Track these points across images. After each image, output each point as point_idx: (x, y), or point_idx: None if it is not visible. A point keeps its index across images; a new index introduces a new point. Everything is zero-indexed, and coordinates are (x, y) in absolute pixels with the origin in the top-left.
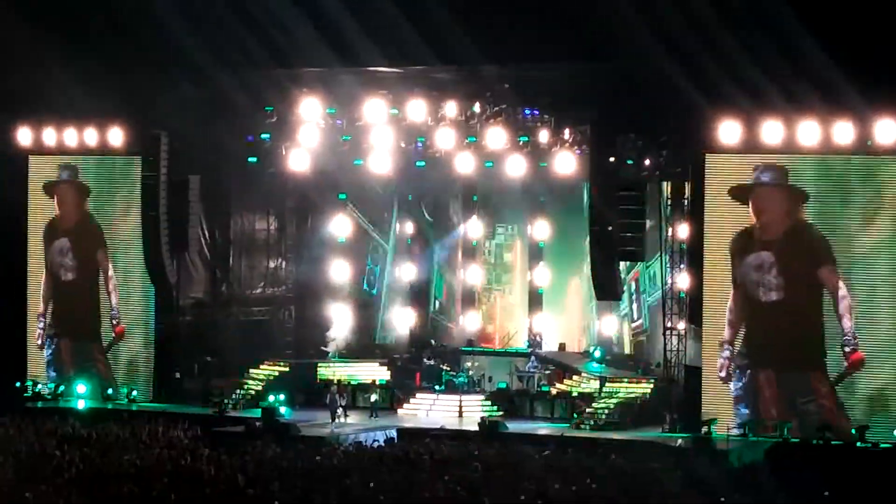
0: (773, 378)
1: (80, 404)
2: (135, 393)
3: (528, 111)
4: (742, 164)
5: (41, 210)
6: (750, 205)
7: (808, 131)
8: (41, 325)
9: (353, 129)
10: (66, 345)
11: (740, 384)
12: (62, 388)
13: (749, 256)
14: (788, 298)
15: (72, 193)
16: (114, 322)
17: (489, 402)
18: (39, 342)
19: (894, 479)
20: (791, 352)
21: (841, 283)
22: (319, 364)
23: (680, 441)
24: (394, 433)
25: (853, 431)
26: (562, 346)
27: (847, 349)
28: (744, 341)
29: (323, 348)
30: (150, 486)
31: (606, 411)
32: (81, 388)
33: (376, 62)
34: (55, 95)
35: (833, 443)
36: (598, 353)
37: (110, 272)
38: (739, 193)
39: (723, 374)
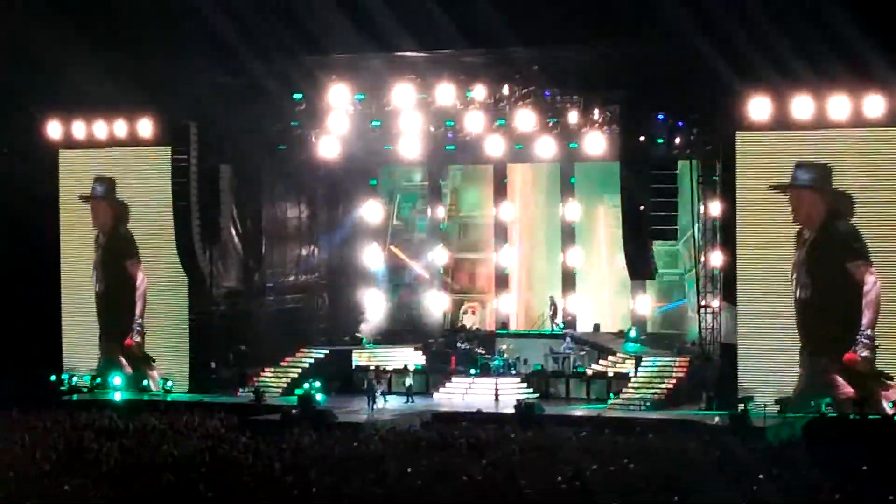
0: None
1: (117, 396)
2: (170, 384)
3: (551, 93)
4: (773, 141)
5: (73, 204)
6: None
7: (839, 106)
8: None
9: (383, 115)
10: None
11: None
12: (98, 380)
13: (797, 253)
14: (814, 297)
15: (103, 210)
16: (135, 329)
17: (525, 385)
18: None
19: None
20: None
21: (869, 278)
22: (354, 350)
23: (717, 419)
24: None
25: (890, 405)
26: (596, 327)
27: (856, 346)
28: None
29: (357, 334)
30: (188, 476)
31: (642, 391)
32: (117, 380)
33: (405, 47)
34: (84, 88)
35: (870, 417)
36: (633, 333)
37: (139, 281)
38: (779, 189)
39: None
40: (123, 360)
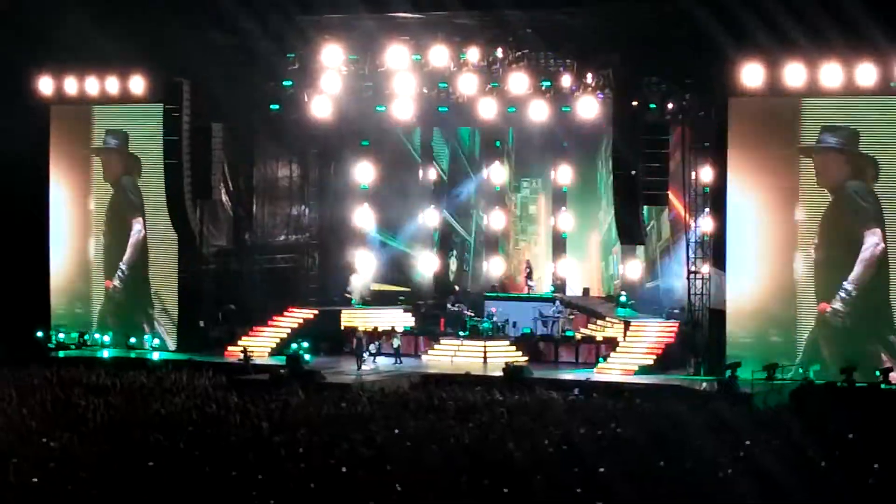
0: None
1: (105, 353)
2: (157, 342)
3: (545, 56)
4: (765, 107)
5: (63, 160)
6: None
7: (831, 73)
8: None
9: (375, 76)
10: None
11: None
12: (86, 336)
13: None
14: (825, 258)
15: (114, 163)
16: (117, 274)
17: (513, 348)
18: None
19: None
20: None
21: (871, 238)
22: (343, 311)
23: (704, 384)
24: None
25: (877, 373)
26: (586, 291)
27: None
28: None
29: (346, 295)
30: (176, 435)
31: (631, 355)
32: (106, 336)
33: (398, 7)
34: (76, 44)
35: (857, 384)
36: (622, 298)
37: (134, 230)
38: (805, 153)
39: None
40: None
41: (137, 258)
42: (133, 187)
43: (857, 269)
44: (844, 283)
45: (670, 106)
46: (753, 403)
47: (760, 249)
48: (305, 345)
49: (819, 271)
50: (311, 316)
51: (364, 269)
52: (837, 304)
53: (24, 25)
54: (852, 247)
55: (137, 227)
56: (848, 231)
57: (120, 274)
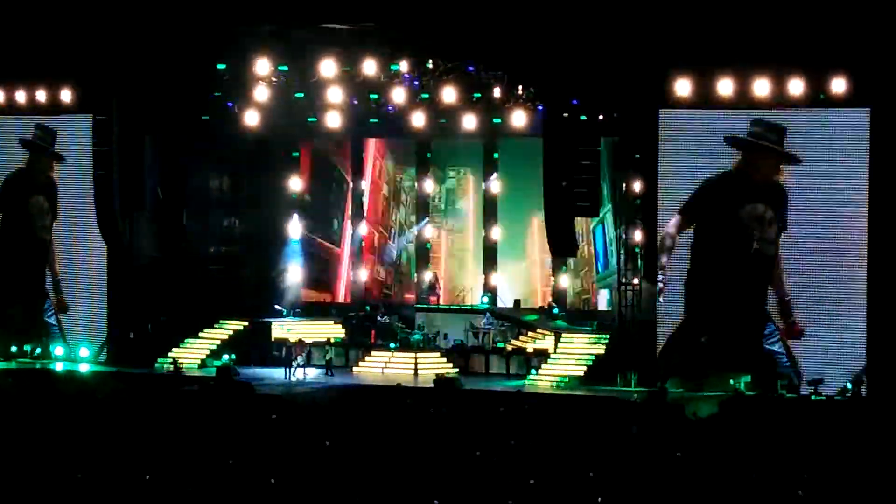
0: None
1: None
2: (87, 353)
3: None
4: (695, 118)
5: None
6: (744, 157)
7: (762, 86)
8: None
9: (307, 87)
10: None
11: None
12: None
13: (747, 205)
14: (772, 257)
15: (46, 162)
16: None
17: (444, 360)
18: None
19: (846, 430)
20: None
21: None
22: (274, 322)
23: (635, 396)
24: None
25: (849, 385)
26: (517, 303)
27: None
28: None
29: (277, 307)
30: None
31: (562, 367)
32: None
33: (329, 19)
34: (2, 57)
35: (787, 396)
36: (554, 310)
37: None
38: (738, 144)
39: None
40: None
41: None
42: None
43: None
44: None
45: (601, 118)
46: (684, 414)
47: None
48: (229, 357)
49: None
50: (242, 327)
51: (294, 279)
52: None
53: None
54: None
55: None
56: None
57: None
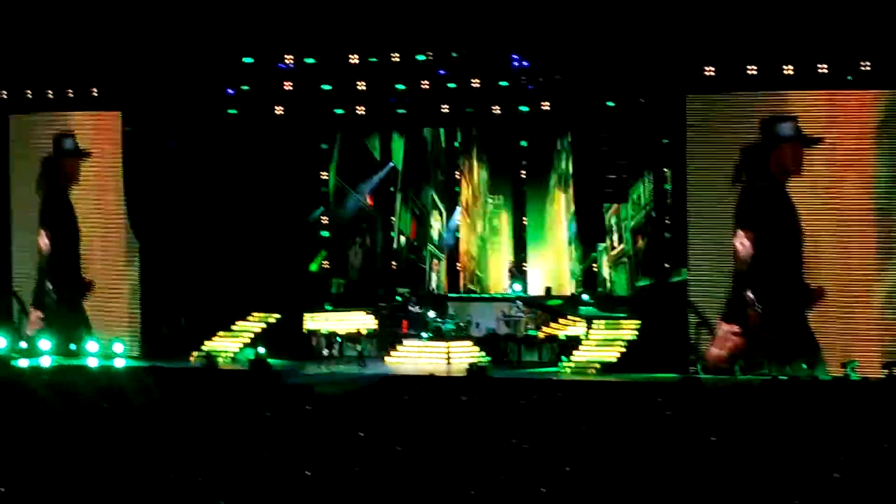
0: None
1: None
2: (122, 348)
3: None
4: (724, 103)
5: (23, 170)
6: (775, 159)
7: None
8: None
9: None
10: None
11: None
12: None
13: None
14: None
15: (75, 163)
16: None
17: (477, 349)
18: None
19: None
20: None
21: None
22: (306, 314)
23: (668, 381)
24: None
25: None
26: (548, 290)
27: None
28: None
29: (310, 299)
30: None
31: (594, 354)
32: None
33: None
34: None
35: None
36: (584, 296)
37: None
38: (756, 151)
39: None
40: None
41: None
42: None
43: None
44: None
45: (628, 103)
46: (715, 399)
47: (721, 247)
48: (262, 350)
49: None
50: (274, 320)
51: (332, 272)
52: None
53: None
54: None
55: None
56: None
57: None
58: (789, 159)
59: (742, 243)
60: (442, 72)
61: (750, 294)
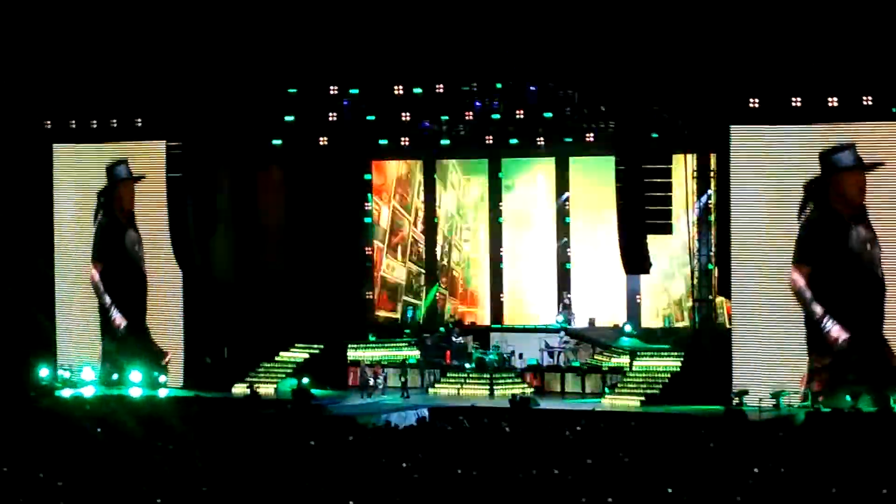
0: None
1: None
2: (164, 378)
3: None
4: (767, 134)
5: (66, 199)
6: (834, 190)
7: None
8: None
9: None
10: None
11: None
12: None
13: (855, 230)
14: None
15: (131, 188)
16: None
17: (520, 379)
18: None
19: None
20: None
21: None
22: (350, 345)
23: (712, 413)
24: (425, 412)
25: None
26: (591, 321)
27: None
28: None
29: (352, 330)
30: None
31: (637, 386)
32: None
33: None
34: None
35: (865, 409)
36: (627, 328)
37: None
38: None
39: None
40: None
41: None
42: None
43: None
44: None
45: (672, 135)
46: (762, 431)
47: (765, 276)
48: (305, 381)
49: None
50: (318, 350)
51: (371, 303)
52: None
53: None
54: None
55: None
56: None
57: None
58: (850, 189)
59: (795, 278)
60: (487, 103)
61: (829, 326)
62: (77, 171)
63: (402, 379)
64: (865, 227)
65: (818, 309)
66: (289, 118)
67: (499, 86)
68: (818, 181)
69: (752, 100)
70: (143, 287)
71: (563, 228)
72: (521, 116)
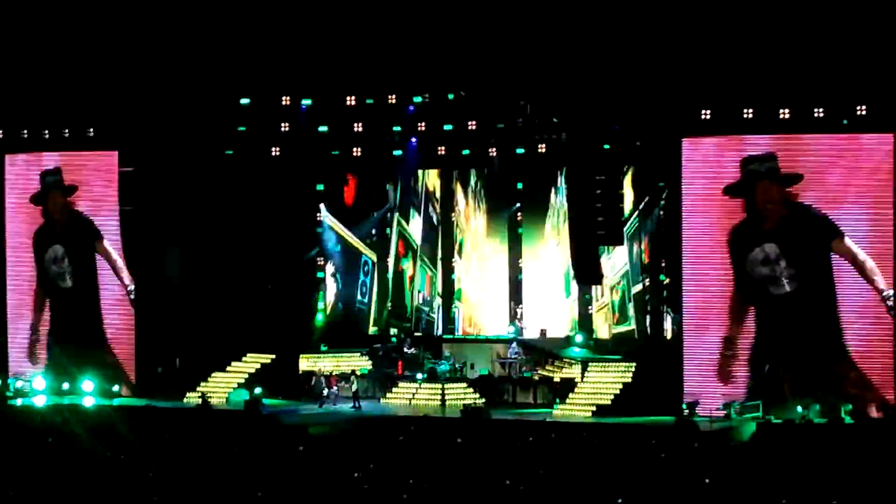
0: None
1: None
2: (116, 388)
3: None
4: (719, 147)
5: (19, 210)
6: (746, 199)
7: (784, 114)
8: (33, 335)
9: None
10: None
11: (753, 381)
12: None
13: (753, 251)
14: (801, 289)
15: (59, 199)
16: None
17: (471, 390)
18: (31, 352)
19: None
20: (809, 346)
21: (856, 249)
22: (301, 355)
23: (662, 424)
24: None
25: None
26: (543, 332)
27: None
28: (756, 339)
29: (304, 340)
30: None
31: (588, 396)
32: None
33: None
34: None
35: (816, 421)
36: (579, 338)
37: (113, 256)
38: (735, 190)
39: (723, 373)
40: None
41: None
42: (83, 215)
43: (878, 282)
44: (887, 296)
45: (624, 147)
46: (713, 442)
47: (716, 289)
48: (258, 390)
49: (792, 306)
50: (269, 360)
51: (323, 312)
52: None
53: None
54: (823, 277)
55: (112, 254)
56: (816, 255)
57: (131, 296)
58: (762, 197)
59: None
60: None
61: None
62: (29, 181)
63: (353, 389)
64: (777, 244)
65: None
66: (241, 128)
67: (451, 97)
68: (734, 188)
69: (703, 111)
70: (73, 303)
71: (515, 238)
72: (474, 128)
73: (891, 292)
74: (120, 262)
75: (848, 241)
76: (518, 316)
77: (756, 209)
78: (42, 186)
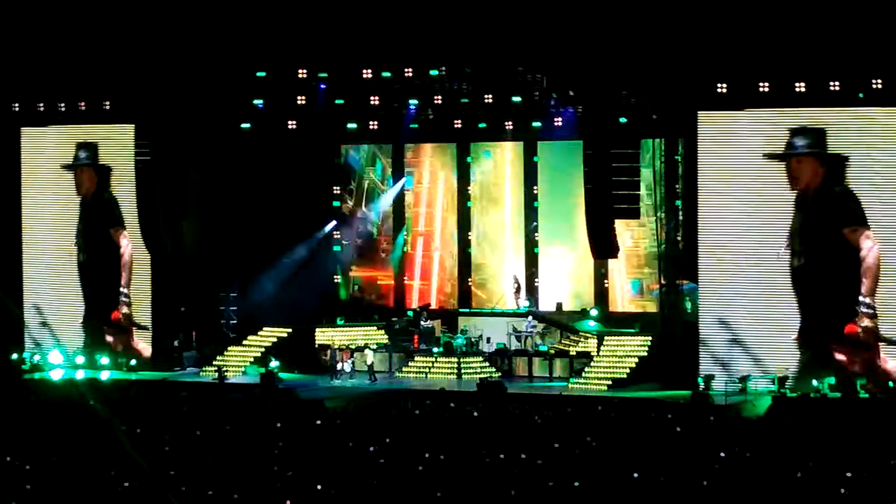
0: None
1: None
2: (133, 361)
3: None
4: (736, 119)
5: (35, 182)
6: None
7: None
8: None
9: (346, 93)
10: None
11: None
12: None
13: (794, 221)
14: (807, 266)
15: (88, 176)
16: (121, 300)
17: (487, 364)
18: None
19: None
20: (817, 321)
21: (865, 243)
22: (317, 329)
23: (679, 398)
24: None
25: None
26: (559, 306)
27: (856, 316)
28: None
29: (321, 313)
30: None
31: (604, 370)
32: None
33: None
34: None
35: (830, 395)
36: (595, 312)
37: (123, 248)
38: (776, 157)
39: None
40: (109, 337)
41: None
42: (109, 198)
43: (867, 280)
44: (862, 298)
45: (640, 119)
46: (728, 416)
47: (733, 262)
48: (276, 364)
49: (801, 281)
50: (285, 334)
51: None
52: (866, 322)
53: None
54: (836, 254)
55: (124, 242)
56: (831, 236)
57: (124, 298)
58: (801, 175)
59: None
60: (456, 87)
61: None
62: (45, 155)
63: (369, 362)
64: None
65: None
66: (257, 102)
67: (468, 70)
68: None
69: (719, 85)
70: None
71: (532, 212)
72: (490, 101)
73: (868, 300)
74: (126, 258)
75: (861, 234)
76: (532, 289)
77: (792, 183)
78: (74, 158)
